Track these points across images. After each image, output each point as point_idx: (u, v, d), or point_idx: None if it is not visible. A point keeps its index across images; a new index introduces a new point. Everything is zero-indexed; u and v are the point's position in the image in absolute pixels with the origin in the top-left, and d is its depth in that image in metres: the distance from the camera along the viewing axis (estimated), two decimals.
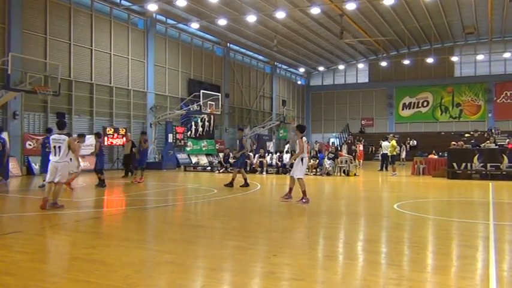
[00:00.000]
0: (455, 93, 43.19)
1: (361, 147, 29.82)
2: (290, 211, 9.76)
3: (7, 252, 5.69)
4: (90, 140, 22.74)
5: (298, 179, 10.44)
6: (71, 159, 9.59)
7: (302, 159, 10.46)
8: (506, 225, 7.92)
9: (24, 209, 10.48)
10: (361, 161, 29.09)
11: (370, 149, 39.30)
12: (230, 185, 14.00)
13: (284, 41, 34.46)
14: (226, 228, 7.60)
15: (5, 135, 18.24)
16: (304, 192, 10.29)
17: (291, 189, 10.64)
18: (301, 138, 10.46)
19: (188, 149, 29.46)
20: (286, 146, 29.20)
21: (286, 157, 22.78)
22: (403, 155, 32.25)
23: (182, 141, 28.62)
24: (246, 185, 14.09)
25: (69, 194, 12.11)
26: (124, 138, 22.58)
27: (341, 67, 45.31)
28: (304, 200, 10.22)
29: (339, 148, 28.12)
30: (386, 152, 23.14)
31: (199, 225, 7.98)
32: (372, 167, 27.27)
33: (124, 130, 24.06)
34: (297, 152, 10.77)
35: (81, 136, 14.46)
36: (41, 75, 18.51)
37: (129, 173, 19.00)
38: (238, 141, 15.65)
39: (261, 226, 7.91)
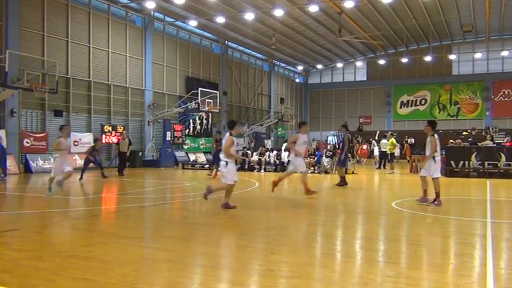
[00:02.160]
0: (453, 92, 43.24)
1: (364, 146, 29.94)
2: (288, 209, 9.77)
3: (5, 250, 5.68)
4: (89, 137, 22.76)
5: (433, 179, 9.75)
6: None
7: (434, 158, 9.70)
8: (504, 223, 7.94)
9: (22, 207, 10.47)
10: (365, 159, 29.24)
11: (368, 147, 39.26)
12: (343, 183, 13.97)
13: (282, 38, 34.43)
14: (224, 226, 7.60)
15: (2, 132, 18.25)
16: (437, 194, 9.62)
17: (425, 191, 9.89)
18: (433, 135, 9.83)
19: (186, 146, 29.45)
20: (285, 144, 29.17)
21: (285, 155, 22.78)
22: (397, 152, 32.17)
23: (180, 139, 28.61)
24: (345, 183, 13.98)
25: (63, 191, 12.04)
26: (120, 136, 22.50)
27: (339, 65, 45.33)
28: (436, 203, 9.53)
29: (337, 146, 28.13)
30: (385, 149, 23.17)
31: (197, 223, 7.99)
32: (370, 164, 27.29)
33: (122, 128, 24.04)
34: (429, 151, 9.75)
35: (303, 124, 12.32)
36: (38, 73, 18.45)
37: (123, 172, 18.88)
38: (341, 139, 15.36)
39: (259, 224, 7.91)
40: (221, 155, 9.17)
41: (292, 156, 11.18)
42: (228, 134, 9.12)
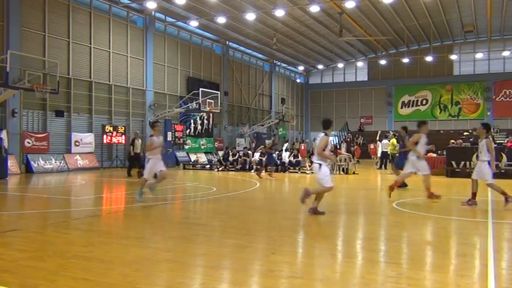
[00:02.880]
0: (454, 92, 43.19)
1: (372, 146, 30.02)
2: (289, 209, 9.77)
3: (6, 250, 5.69)
4: (90, 137, 22.78)
5: (489, 184, 9.63)
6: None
7: (489, 162, 9.49)
8: (505, 223, 7.93)
9: (24, 207, 10.48)
10: (375, 156, 29.20)
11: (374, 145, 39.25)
12: (404, 185, 13.42)
13: (283, 39, 34.42)
14: (225, 226, 7.61)
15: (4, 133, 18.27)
16: (505, 193, 9.48)
17: (474, 194, 9.70)
18: (488, 137, 9.65)
19: (187, 147, 29.46)
20: (285, 145, 29.20)
21: (285, 155, 22.80)
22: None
23: (181, 139, 28.61)
24: (404, 185, 13.35)
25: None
26: (132, 136, 22.31)
27: (340, 65, 45.30)
28: (510, 200, 9.46)
29: (338, 146, 28.15)
30: (386, 150, 23.16)
31: (198, 223, 7.99)
32: (371, 165, 27.26)
33: (123, 128, 24.05)
34: (486, 155, 9.53)
35: (423, 124, 10.83)
36: (39, 73, 18.46)
37: (130, 173, 18.88)
38: (401, 140, 14.82)
39: (259, 224, 7.92)
40: (314, 157, 8.59)
41: (415, 158, 10.51)
42: (322, 134, 8.45)
